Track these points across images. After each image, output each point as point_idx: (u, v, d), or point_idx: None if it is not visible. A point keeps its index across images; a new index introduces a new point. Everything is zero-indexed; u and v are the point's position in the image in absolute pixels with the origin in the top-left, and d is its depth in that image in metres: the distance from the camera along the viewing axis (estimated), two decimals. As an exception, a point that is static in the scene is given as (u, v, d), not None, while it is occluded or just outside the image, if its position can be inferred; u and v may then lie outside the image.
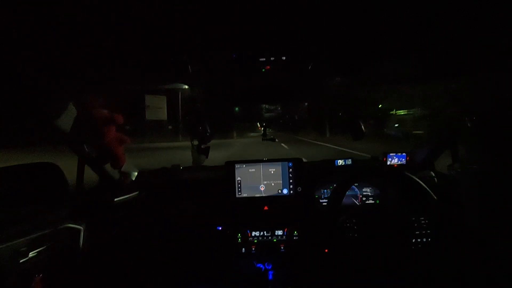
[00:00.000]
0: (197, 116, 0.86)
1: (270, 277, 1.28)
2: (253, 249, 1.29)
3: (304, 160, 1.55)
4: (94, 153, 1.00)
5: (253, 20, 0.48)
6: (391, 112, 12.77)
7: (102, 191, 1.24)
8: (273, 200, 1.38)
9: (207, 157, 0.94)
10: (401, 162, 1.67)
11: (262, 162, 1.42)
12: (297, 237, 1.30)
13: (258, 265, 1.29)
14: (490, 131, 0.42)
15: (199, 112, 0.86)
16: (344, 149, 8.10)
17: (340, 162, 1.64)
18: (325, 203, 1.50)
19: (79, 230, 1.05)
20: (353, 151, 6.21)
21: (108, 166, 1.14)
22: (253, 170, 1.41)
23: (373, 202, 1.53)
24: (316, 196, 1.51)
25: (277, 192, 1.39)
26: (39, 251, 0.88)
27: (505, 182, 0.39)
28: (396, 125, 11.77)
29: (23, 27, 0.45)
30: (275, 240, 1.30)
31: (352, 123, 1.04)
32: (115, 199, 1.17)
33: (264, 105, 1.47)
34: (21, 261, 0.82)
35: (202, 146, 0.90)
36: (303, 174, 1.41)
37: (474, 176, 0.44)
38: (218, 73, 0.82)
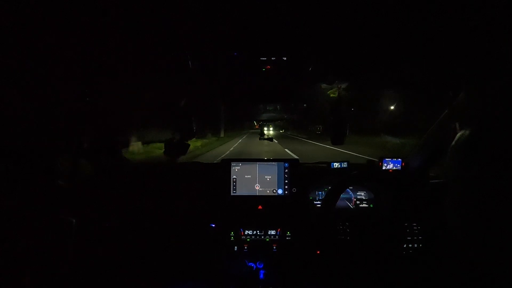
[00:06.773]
0: (183, 111, 0.84)
1: (261, 276, 1.28)
2: (246, 247, 1.29)
3: (300, 161, 1.55)
4: (90, 143, 0.98)
5: (257, 20, 0.48)
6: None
7: (96, 183, 1.23)
8: (268, 199, 1.38)
9: (184, 154, 0.92)
10: (396, 168, 1.68)
11: (258, 161, 1.42)
12: (289, 238, 1.31)
13: (250, 264, 1.29)
14: (478, 140, 0.42)
15: (186, 107, 0.84)
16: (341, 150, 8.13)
17: (336, 165, 1.64)
18: (319, 205, 1.51)
19: (70, 222, 1.04)
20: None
21: (103, 157, 1.13)
22: (249, 169, 1.41)
23: (366, 206, 1.54)
24: (311, 198, 1.52)
25: (272, 192, 1.39)
26: (29, 243, 0.87)
27: (491, 191, 0.40)
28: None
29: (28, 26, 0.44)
30: (267, 239, 1.31)
31: (337, 127, 1.00)
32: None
33: (263, 105, 1.46)
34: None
35: (183, 142, 0.88)
36: (298, 175, 1.41)
37: (459, 185, 0.44)
38: (218, 70, 0.81)
